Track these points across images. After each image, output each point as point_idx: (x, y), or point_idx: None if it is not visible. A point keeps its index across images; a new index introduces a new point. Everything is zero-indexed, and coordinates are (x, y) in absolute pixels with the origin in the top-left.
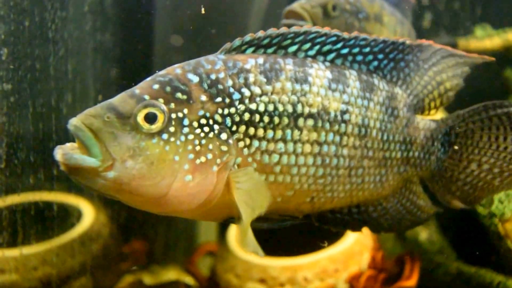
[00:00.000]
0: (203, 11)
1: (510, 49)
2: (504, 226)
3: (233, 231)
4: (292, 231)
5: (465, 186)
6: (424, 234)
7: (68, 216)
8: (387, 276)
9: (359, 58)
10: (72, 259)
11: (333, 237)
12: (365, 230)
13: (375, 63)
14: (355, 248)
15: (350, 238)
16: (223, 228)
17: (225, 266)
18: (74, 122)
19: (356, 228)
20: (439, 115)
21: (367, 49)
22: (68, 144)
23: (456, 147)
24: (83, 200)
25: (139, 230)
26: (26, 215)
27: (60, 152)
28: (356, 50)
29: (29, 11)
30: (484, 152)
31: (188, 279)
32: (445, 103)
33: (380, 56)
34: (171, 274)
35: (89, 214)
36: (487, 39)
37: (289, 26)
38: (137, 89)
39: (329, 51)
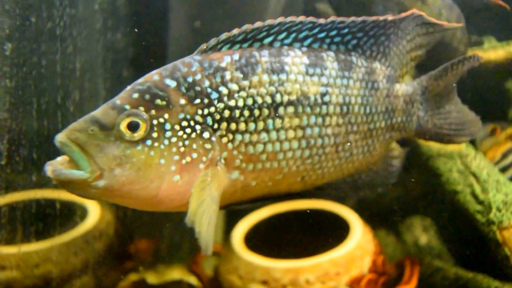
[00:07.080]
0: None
1: None
2: (502, 233)
3: (237, 232)
4: (295, 234)
5: (446, 127)
6: (423, 239)
7: (74, 214)
8: (387, 280)
9: (337, 39)
10: (76, 257)
11: (335, 241)
12: (367, 235)
13: (354, 41)
14: (357, 252)
15: (352, 242)
16: (228, 228)
17: (228, 267)
18: (59, 139)
19: (356, 193)
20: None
21: (346, 30)
22: (59, 158)
23: (431, 103)
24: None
25: (145, 229)
26: (31, 212)
27: (50, 169)
28: (333, 32)
29: (36, 7)
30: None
31: (192, 279)
32: (408, 72)
33: (359, 34)
34: (176, 273)
35: (94, 212)
36: (491, 51)
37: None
38: (117, 100)
39: (306, 37)
